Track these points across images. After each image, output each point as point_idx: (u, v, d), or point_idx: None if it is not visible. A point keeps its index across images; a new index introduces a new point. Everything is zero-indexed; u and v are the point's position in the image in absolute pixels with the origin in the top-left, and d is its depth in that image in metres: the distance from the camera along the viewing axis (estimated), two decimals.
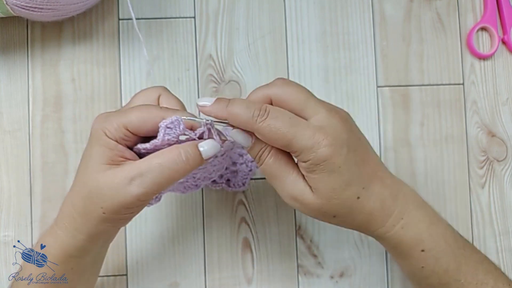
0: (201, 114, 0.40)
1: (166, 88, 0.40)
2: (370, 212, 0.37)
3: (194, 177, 0.43)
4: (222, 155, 0.41)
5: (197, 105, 0.37)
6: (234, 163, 0.51)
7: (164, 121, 0.36)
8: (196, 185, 0.44)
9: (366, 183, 0.37)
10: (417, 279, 0.41)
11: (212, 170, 0.43)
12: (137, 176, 0.35)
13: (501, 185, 0.54)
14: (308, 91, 0.37)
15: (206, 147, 0.37)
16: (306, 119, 0.36)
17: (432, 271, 0.39)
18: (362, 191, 0.37)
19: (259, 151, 0.37)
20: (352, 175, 0.36)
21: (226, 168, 0.51)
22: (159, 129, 0.36)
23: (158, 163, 0.35)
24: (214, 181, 0.51)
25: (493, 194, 0.54)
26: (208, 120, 0.37)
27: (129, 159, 0.37)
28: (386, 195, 0.38)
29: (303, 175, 0.37)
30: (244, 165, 0.51)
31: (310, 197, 0.36)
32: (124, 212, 0.37)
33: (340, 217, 0.38)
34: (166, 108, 0.38)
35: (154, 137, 0.37)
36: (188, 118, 0.37)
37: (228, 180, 0.51)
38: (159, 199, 0.43)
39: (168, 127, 0.36)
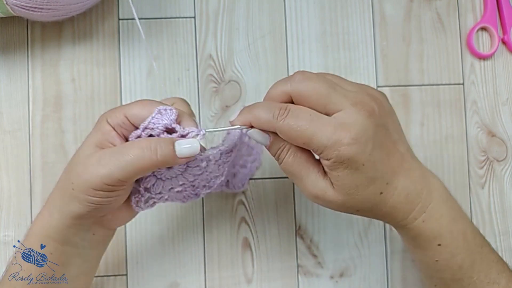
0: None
1: (185, 112, 0.39)
2: (393, 206, 0.37)
3: (193, 186, 0.42)
4: (216, 161, 0.40)
5: (230, 122, 0.38)
6: (233, 165, 0.50)
7: (160, 106, 0.36)
8: (196, 194, 0.43)
9: (390, 178, 0.36)
10: (430, 271, 0.41)
11: (210, 178, 0.42)
12: (107, 156, 0.35)
13: (501, 185, 0.54)
14: (330, 82, 0.36)
15: (182, 146, 0.36)
16: (329, 115, 0.35)
17: (446, 266, 0.39)
18: (386, 186, 0.36)
19: (278, 150, 0.37)
20: (376, 172, 0.35)
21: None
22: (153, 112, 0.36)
23: (128, 149, 0.35)
24: (196, 195, 0.50)
25: (493, 194, 0.54)
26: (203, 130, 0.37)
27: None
28: (410, 189, 0.37)
29: (323, 173, 0.36)
30: (243, 168, 0.51)
31: (332, 194, 0.36)
32: (90, 194, 0.36)
33: (363, 211, 0.37)
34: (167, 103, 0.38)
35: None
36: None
37: (227, 181, 0.51)
38: (151, 205, 0.42)
39: (160, 113, 0.36)
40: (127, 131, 0.37)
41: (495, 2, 0.55)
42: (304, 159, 0.36)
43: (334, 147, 0.34)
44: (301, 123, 0.34)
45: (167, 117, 0.36)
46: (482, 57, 0.55)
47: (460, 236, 0.38)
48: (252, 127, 0.37)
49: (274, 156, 0.37)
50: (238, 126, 0.38)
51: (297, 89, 0.35)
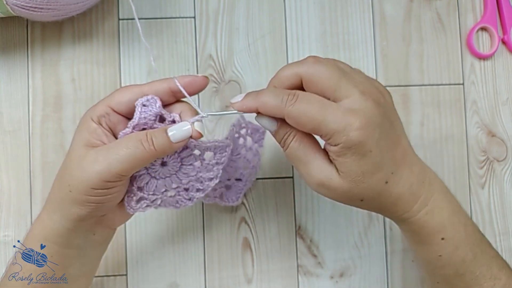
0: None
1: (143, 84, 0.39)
2: (397, 197, 0.37)
3: (186, 189, 0.41)
4: (210, 161, 0.40)
5: (231, 105, 0.37)
6: (229, 179, 0.50)
7: (140, 99, 0.36)
8: (190, 199, 0.42)
9: (395, 168, 0.36)
10: (432, 268, 0.41)
11: (203, 179, 0.41)
12: (103, 152, 0.35)
13: (501, 185, 0.54)
14: (341, 69, 0.36)
15: (175, 130, 0.36)
16: (338, 101, 0.35)
17: (449, 260, 0.39)
18: (391, 175, 0.36)
19: (284, 135, 0.37)
20: (382, 160, 0.35)
21: (220, 182, 0.48)
22: (136, 108, 0.36)
23: (124, 143, 0.35)
24: (206, 195, 0.49)
25: (493, 194, 0.54)
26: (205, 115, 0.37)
27: (106, 144, 0.37)
28: (413, 181, 0.37)
29: (328, 159, 0.36)
30: (239, 181, 0.50)
31: (338, 180, 0.36)
32: (90, 194, 0.36)
33: (367, 200, 0.37)
34: (149, 83, 0.38)
35: None
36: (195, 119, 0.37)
37: (221, 194, 0.50)
38: (143, 208, 0.41)
39: (144, 105, 0.36)
40: (112, 122, 0.37)
41: (495, 2, 0.55)
42: (310, 144, 0.36)
43: (344, 132, 0.34)
44: (311, 108, 0.34)
45: (153, 106, 0.36)
46: (482, 57, 0.55)
47: (461, 229, 0.39)
48: (258, 112, 0.37)
49: (279, 142, 0.37)
50: (236, 111, 0.37)
51: (309, 71, 0.35)
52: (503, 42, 0.55)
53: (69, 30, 0.52)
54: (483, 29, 0.55)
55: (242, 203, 0.53)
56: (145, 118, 0.36)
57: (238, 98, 0.37)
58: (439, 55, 0.55)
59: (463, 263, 0.39)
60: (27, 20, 0.52)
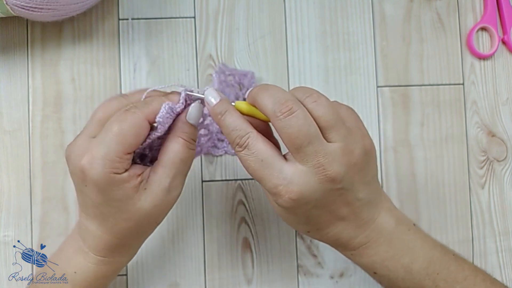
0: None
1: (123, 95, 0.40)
2: (320, 240, 0.39)
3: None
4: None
5: (204, 94, 0.38)
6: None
7: (158, 116, 0.37)
8: (201, 150, 0.48)
9: (323, 227, 0.37)
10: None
11: (215, 139, 0.47)
12: (172, 181, 0.37)
13: (501, 185, 0.54)
14: (313, 131, 0.34)
15: (192, 115, 0.38)
16: (294, 160, 0.35)
17: (388, 285, 0.40)
18: (315, 230, 0.38)
19: None
20: (308, 221, 0.37)
21: (213, 134, 0.52)
22: (157, 124, 0.37)
23: (180, 159, 0.37)
24: (215, 147, 0.51)
25: (493, 194, 0.54)
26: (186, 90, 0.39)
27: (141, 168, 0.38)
28: (343, 235, 0.38)
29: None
30: None
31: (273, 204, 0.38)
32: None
33: None
34: (143, 103, 0.38)
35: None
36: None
37: (214, 144, 0.52)
38: None
39: (166, 117, 0.37)
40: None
41: (495, 2, 0.55)
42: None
43: (274, 197, 0.35)
44: (252, 164, 0.35)
45: (172, 114, 0.38)
46: (482, 57, 0.55)
47: (400, 269, 0.38)
48: None
49: None
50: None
51: (278, 125, 0.35)
52: (503, 42, 0.55)
53: (69, 30, 0.52)
54: (483, 29, 0.55)
55: (242, 203, 0.53)
56: (168, 123, 0.38)
57: (213, 99, 0.37)
58: (439, 55, 0.55)
59: None
60: (27, 20, 0.52)
